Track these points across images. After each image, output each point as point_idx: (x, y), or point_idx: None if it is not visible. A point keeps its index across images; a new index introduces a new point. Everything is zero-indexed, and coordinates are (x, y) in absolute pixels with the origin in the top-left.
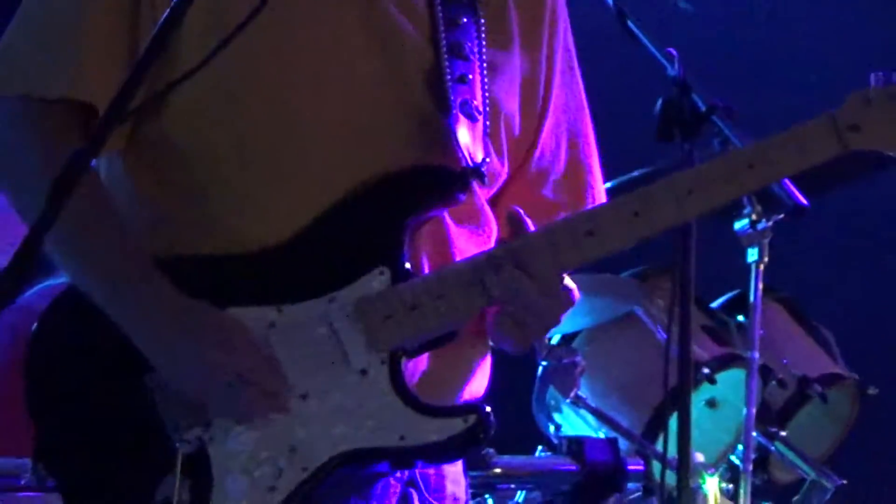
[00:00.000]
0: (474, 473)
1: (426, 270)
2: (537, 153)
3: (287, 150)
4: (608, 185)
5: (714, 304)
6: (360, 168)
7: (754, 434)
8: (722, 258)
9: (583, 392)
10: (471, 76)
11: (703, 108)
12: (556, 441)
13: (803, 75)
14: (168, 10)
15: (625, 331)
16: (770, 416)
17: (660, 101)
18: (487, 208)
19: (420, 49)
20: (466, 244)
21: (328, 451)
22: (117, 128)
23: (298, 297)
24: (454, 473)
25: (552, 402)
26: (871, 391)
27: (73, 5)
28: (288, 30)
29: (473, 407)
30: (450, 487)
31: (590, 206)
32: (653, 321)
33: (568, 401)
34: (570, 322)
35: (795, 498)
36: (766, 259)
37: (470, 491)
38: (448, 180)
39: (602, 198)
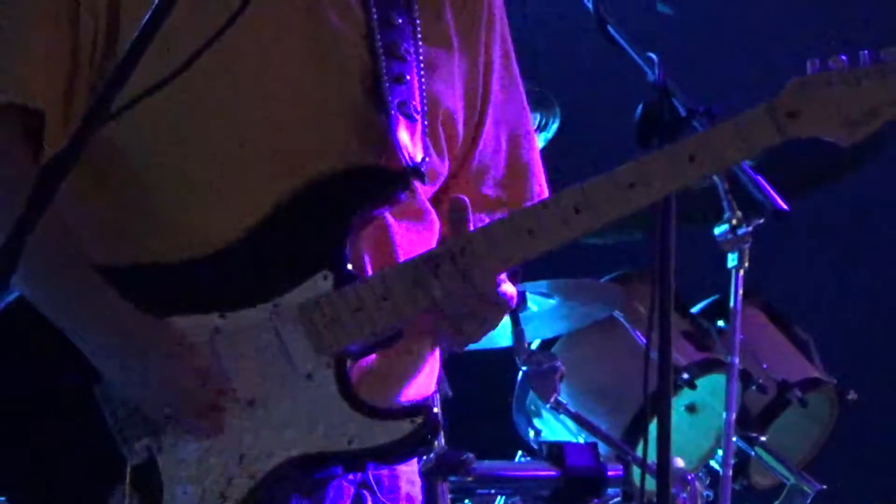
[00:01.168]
0: (454, 478)
1: (369, 272)
2: (478, 151)
3: (229, 156)
4: None
5: (694, 309)
6: (300, 172)
7: (734, 439)
8: (702, 263)
9: (563, 397)
10: (408, 76)
11: (684, 113)
12: (535, 446)
13: (784, 76)
14: (148, 14)
15: (605, 336)
16: (750, 421)
17: (640, 107)
18: (430, 207)
19: (357, 51)
20: (410, 244)
21: (276, 458)
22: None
23: (242, 304)
24: (409, 473)
25: (532, 407)
26: (851, 396)
27: (13, 17)
28: (231, 39)
29: (420, 408)
30: (404, 488)
31: (530, 202)
32: (633, 326)
33: (548, 406)
34: (550, 327)
35: (775, 503)
36: (746, 264)
37: (450, 496)
38: (388, 180)
39: (544, 193)
